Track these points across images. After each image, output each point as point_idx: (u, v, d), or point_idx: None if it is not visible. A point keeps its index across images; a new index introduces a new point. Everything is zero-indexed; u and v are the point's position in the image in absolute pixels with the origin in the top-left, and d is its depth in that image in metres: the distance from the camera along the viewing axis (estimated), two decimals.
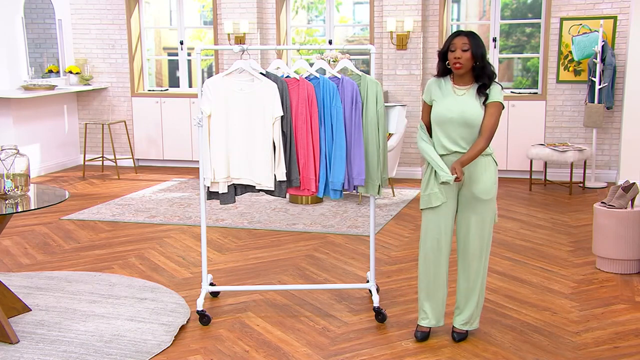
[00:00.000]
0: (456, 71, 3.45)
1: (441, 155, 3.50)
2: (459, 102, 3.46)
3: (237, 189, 3.98)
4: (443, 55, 3.51)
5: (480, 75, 3.45)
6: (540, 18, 8.14)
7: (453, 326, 3.71)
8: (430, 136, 3.57)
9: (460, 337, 3.66)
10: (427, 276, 3.63)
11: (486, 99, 3.45)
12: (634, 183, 4.78)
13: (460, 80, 3.51)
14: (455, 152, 3.48)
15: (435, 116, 3.50)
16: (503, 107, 3.49)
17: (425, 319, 3.68)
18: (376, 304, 3.96)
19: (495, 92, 3.46)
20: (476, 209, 3.52)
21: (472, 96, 3.47)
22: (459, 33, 3.46)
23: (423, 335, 3.66)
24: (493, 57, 8.24)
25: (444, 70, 3.55)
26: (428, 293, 3.65)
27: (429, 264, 3.61)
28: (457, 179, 3.36)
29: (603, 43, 7.31)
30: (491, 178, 3.51)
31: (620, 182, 5.64)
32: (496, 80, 3.49)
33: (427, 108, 3.60)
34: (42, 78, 8.71)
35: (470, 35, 3.43)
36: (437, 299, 3.65)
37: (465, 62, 3.41)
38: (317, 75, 3.92)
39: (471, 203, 3.52)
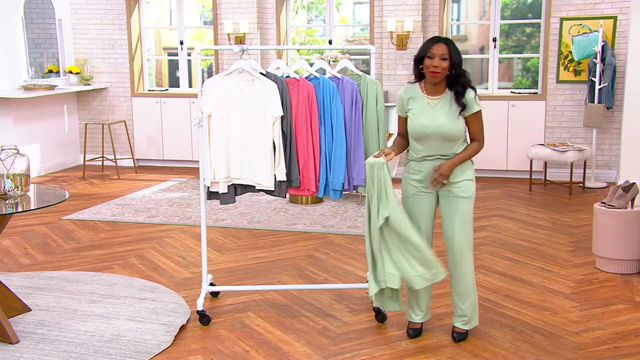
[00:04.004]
0: (432, 79, 3.43)
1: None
2: (433, 116, 3.44)
3: (237, 189, 3.98)
4: (419, 60, 3.48)
5: (454, 84, 3.44)
6: (540, 18, 8.14)
7: (453, 326, 3.71)
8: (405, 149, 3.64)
9: (460, 337, 3.66)
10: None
11: (463, 109, 3.44)
12: (634, 183, 4.78)
13: (432, 89, 3.49)
14: (437, 156, 3.50)
15: (412, 132, 3.50)
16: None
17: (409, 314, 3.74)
18: (376, 304, 3.95)
19: (472, 103, 3.44)
20: (458, 208, 3.53)
21: (446, 105, 3.45)
22: (437, 40, 3.42)
23: (415, 332, 3.70)
24: (493, 57, 8.24)
25: (419, 76, 3.54)
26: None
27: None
28: (438, 181, 3.46)
29: (603, 43, 7.31)
30: (469, 176, 3.55)
31: (620, 182, 5.64)
32: (471, 85, 3.46)
33: (403, 121, 3.59)
34: (42, 78, 8.71)
35: (449, 43, 3.41)
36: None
37: (443, 71, 3.40)
38: (317, 75, 3.92)
39: (452, 203, 3.54)
